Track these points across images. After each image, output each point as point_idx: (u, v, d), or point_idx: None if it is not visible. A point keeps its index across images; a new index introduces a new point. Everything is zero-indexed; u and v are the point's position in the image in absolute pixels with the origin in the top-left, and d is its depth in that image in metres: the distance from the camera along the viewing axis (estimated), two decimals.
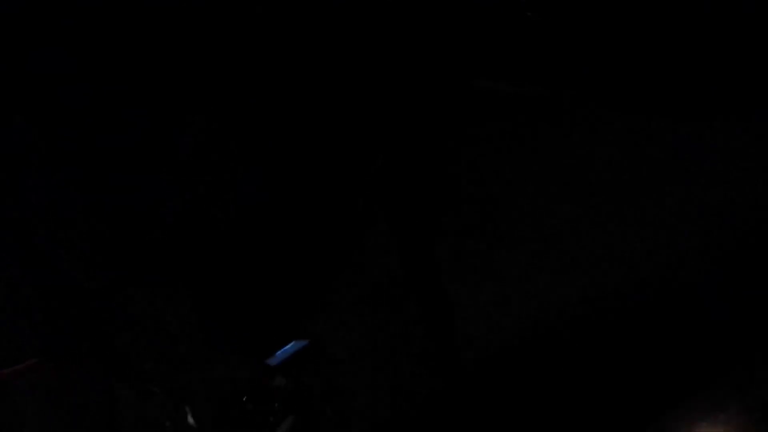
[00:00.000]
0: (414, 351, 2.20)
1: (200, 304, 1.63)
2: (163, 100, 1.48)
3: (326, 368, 1.91)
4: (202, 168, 2.41)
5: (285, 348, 1.69)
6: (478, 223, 3.25)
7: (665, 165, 3.34)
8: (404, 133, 2.00)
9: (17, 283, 1.67)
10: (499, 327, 2.91)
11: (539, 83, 3.68)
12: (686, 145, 3.36)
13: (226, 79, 1.48)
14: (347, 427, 2.01)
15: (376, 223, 2.31)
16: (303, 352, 1.73)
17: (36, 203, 1.78)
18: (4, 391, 1.67)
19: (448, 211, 3.26)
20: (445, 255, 3.07)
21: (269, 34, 1.47)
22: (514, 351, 2.89)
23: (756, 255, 3.05)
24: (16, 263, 1.68)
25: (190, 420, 1.56)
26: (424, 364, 1.90)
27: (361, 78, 3.65)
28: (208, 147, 2.05)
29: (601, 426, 2.82)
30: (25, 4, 1.37)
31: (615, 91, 3.54)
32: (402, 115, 3.44)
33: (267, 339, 1.69)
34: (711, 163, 3.30)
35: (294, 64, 1.48)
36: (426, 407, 1.88)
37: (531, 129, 3.54)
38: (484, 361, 2.87)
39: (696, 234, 3.15)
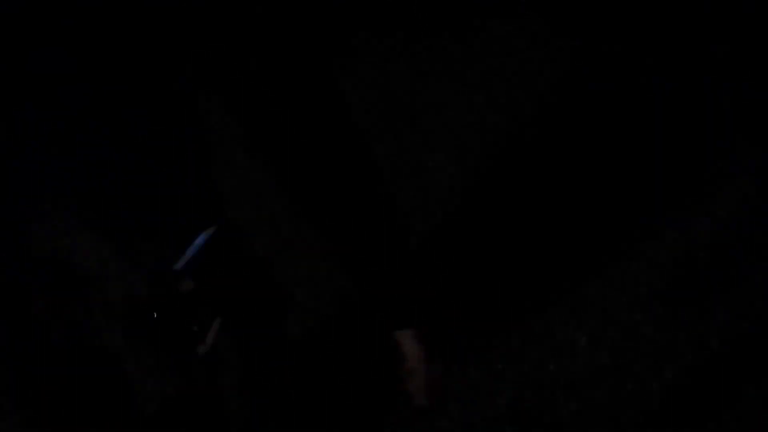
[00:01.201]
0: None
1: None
2: (163, 100, 1.48)
3: (251, 259, 1.55)
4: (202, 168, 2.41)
5: (191, 246, 1.37)
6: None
7: (664, 162, 3.36)
8: None
9: (17, 285, 1.67)
10: None
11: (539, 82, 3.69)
12: (685, 142, 3.39)
13: (227, 79, 1.49)
14: (285, 319, 1.71)
15: None
16: (212, 243, 1.37)
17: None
18: None
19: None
20: None
21: (270, 34, 1.47)
22: None
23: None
24: (17, 264, 1.68)
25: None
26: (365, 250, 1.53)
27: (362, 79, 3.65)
28: (208, 147, 2.05)
29: None
30: (25, 4, 1.37)
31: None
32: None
33: (170, 244, 1.39)
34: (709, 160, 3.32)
35: (295, 64, 1.49)
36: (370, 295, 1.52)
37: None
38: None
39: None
